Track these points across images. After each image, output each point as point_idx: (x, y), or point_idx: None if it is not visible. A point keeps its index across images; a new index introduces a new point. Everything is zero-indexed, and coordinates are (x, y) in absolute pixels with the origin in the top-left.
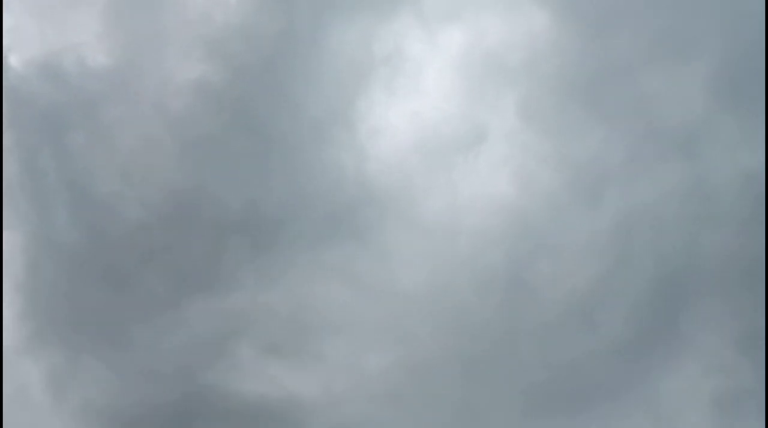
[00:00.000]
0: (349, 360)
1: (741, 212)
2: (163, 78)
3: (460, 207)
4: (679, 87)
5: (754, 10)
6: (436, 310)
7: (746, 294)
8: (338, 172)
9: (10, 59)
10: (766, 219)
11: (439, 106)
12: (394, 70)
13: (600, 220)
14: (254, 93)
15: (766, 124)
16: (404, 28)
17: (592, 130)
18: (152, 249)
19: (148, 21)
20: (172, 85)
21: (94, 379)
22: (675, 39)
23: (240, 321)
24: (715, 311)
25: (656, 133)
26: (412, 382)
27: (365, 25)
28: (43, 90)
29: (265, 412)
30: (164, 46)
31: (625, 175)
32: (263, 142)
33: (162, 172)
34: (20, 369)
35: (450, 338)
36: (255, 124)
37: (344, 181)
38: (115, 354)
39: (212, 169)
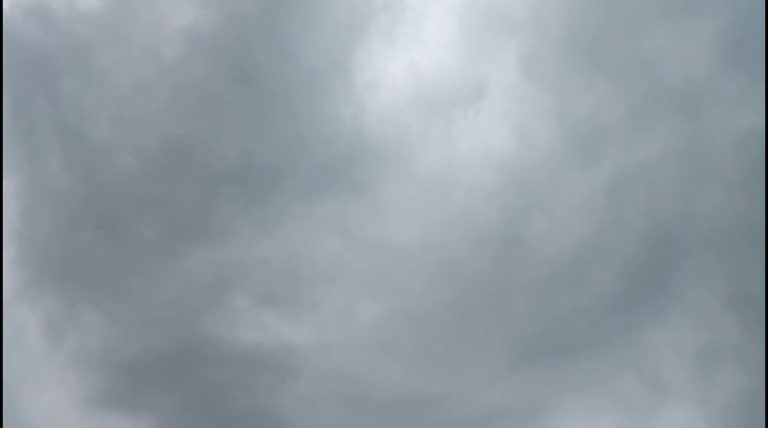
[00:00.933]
0: (342, 311)
1: (738, 173)
2: (156, 23)
3: (457, 161)
4: (683, 45)
5: None
6: (429, 264)
7: (737, 254)
8: (335, 124)
9: None
10: (766, 181)
11: (439, 57)
12: (393, 18)
13: (596, 178)
14: (249, 40)
15: (766, 84)
16: None
17: (594, 86)
18: (146, 198)
19: None
20: (164, 30)
21: (90, 326)
22: None
23: (235, 271)
24: (706, 270)
25: (658, 92)
26: (404, 333)
27: None
28: (32, 33)
29: (260, 360)
30: None
31: (624, 133)
32: (258, 91)
33: (155, 120)
34: (17, 315)
35: (442, 291)
36: (250, 73)
37: (341, 133)
38: (111, 302)
39: (206, 118)
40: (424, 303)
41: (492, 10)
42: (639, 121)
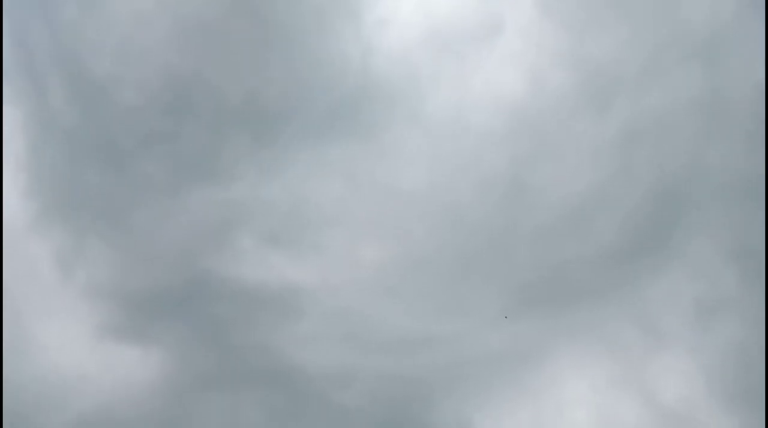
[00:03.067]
0: (347, 253)
1: (752, 127)
2: None
3: (468, 104)
4: None
5: None
6: (434, 208)
7: (742, 208)
8: (342, 65)
9: None
10: None
11: None
12: None
13: (607, 126)
14: None
15: None
16: None
17: (613, 30)
18: (150, 135)
19: None
20: None
21: (99, 260)
22: None
23: (240, 211)
24: (709, 223)
25: (678, 37)
26: (407, 275)
27: None
28: None
29: (265, 297)
30: None
31: (639, 80)
32: (264, 29)
33: (158, 55)
34: (28, 247)
35: (446, 235)
36: (256, 10)
37: (348, 74)
38: (118, 237)
39: (211, 55)
40: (427, 247)
41: None
42: (656, 67)
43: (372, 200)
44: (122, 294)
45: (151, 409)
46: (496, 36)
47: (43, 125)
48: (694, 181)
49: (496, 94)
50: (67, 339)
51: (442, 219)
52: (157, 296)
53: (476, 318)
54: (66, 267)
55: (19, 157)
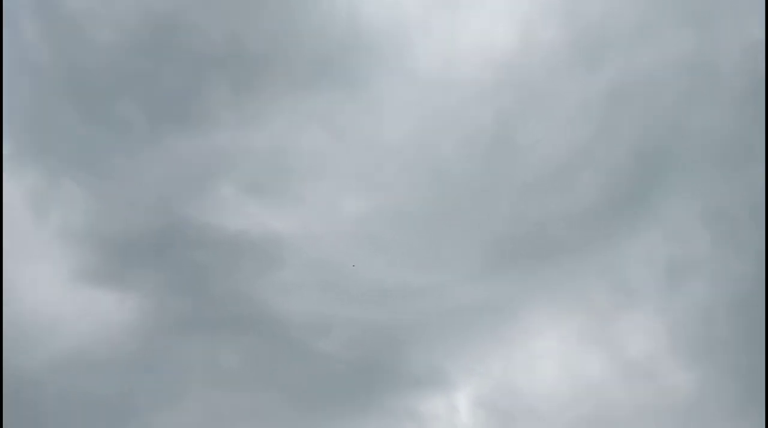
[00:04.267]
0: (328, 203)
1: (739, 91)
2: None
3: (456, 57)
4: None
5: None
6: (418, 162)
7: (720, 172)
8: (329, 13)
9: None
10: (766, 98)
11: None
12: None
13: (595, 85)
14: None
15: None
16: None
17: None
18: (128, 76)
19: None
20: None
21: (74, 203)
22: None
23: (221, 159)
24: (686, 186)
25: None
26: (388, 228)
27: None
28: None
29: (245, 246)
30: None
31: (630, 39)
32: None
33: None
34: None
35: (429, 189)
36: None
37: (335, 22)
38: (94, 181)
39: None
40: (410, 200)
41: None
42: (647, 27)
43: (355, 152)
44: (98, 239)
45: (127, 354)
46: None
47: (14, 62)
48: (677, 143)
49: (485, 48)
50: (42, 283)
51: (426, 173)
52: (134, 241)
53: (455, 271)
54: (40, 209)
55: None
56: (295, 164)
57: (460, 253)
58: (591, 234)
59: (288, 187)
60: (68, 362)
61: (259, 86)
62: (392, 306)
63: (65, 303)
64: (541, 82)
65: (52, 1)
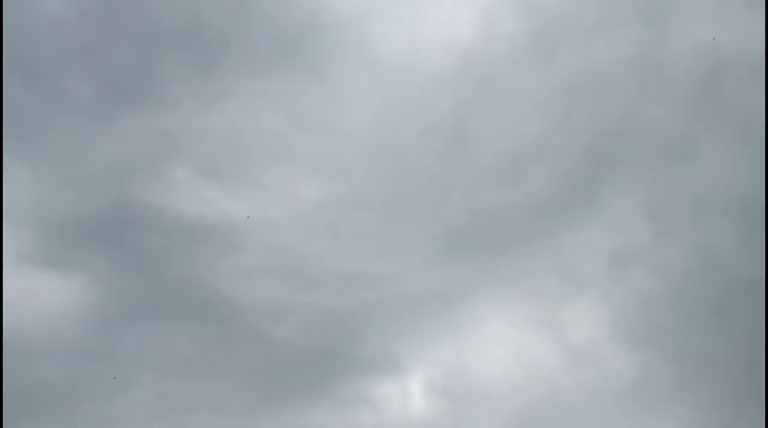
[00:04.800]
0: (286, 189)
1: (688, 88)
2: None
3: (418, 46)
4: None
5: None
6: (376, 150)
7: (663, 168)
8: None
9: None
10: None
11: None
12: None
13: (551, 78)
14: None
15: None
16: None
17: None
18: (77, 50)
19: None
20: None
21: (17, 183)
22: None
23: (175, 141)
24: (632, 180)
25: None
26: (345, 214)
27: None
28: None
29: (199, 231)
30: None
31: (586, 35)
32: None
33: None
34: None
35: (386, 177)
36: None
37: (297, 5)
38: (39, 159)
39: None
40: (367, 188)
41: None
42: (602, 24)
43: (314, 137)
44: (43, 220)
45: (73, 340)
46: None
47: None
48: (625, 139)
49: (447, 38)
50: None
51: (384, 161)
52: (81, 224)
53: (409, 259)
54: None
55: None
56: (253, 148)
57: (416, 242)
58: (540, 226)
59: (246, 172)
60: (10, 348)
61: (217, 66)
62: (348, 293)
63: (7, 286)
64: (500, 74)
65: None
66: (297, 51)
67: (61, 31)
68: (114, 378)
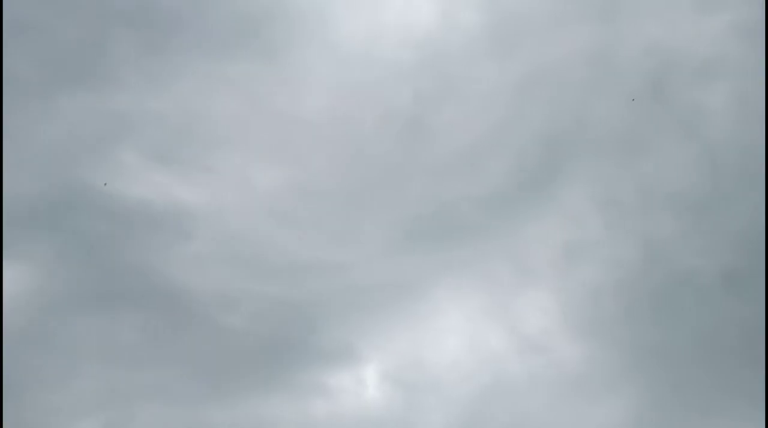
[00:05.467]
0: (240, 175)
1: (638, 86)
2: None
3: (378, 33)
4: None
5: None
6: (334, 138)
7: (614, 162)
8: None
9: None
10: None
11: None
12: None
13: (509, 72)
14: None
15: None
16: None
17: None
18: (19, 26)
19: None
20: None
21: None
22: None
23: (124, 123)
24: (584, 174)
25: None
26: (300, 202)
27: None
28: None
29: (150, 217)
30: None
31: (543, 29)
32: None
33: None
34: None
35: (343, 166)
36: None
37: None
38: None
39: None
40: (323, 176)
41: None
42: (558, 20)
43: (270, 123)
44: None
45: (15, 327)
46: None
47: None
48: (577, 133)
49: (406, 27)
50: None
51: (341, 150)
52: (23, 208)
53: (366, 248)
54: None
55: None
56: (207, 132)
57: (373, 231)
58: (496, 217)
59: (198, 157)
60: None
61: (169, 46)
62: (303, 282)
63: None
64: (459, 65)
65: None
66: (256, 34)
67: (2, 5)
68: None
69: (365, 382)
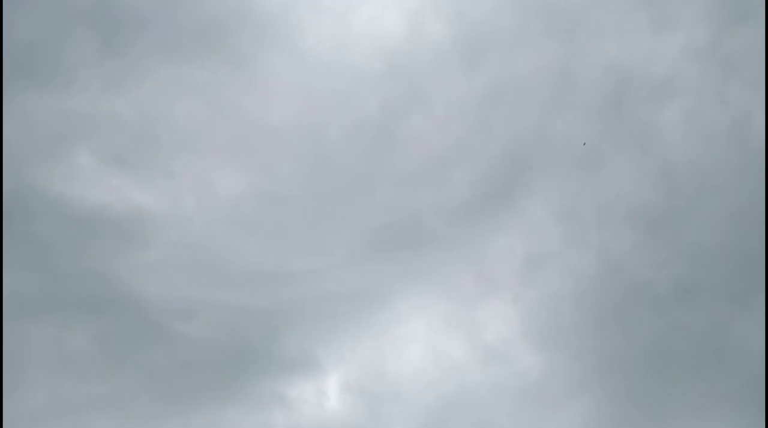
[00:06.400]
0: (202, 181)
1: (597, 102)
2: None
3: (347, 42)
4: None
5: None
6: (301, 145)
7: (574, 176)
8: None
9: None
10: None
11: None
12: None
13: (475, 84)
14: None
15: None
16: None
17: None
18: None
19: None
20: None
21: None
22: None
23: (79, 124)
24: (546, 187)
25: (546, 12)
26: (265, 210)
27: None
28: None
29: (106, 222)
30: None
31: (509, 44)
32: None
33: None
34: None
35: (309, 173)
36: None
37: None
38: None
39: None
40: (289, 183)
41: None
42: (523, 36)
43: (236, 129)
44: None
45: None
46: None
47: None
48: (539, 147)
49: (375, 37)
50: None
51: (307, 157)
52: None
53: (330, 257)
54: None
55: None
56: (167, 136)
57: (337, 239)
58: (460, 227)
59: (157, 160)
60: None
61: (131, 47)
62: (265, 290)
63: None
64: (426, 76)
65: None
66: (222, 39)
67: None
68: None
69: (326, 393)
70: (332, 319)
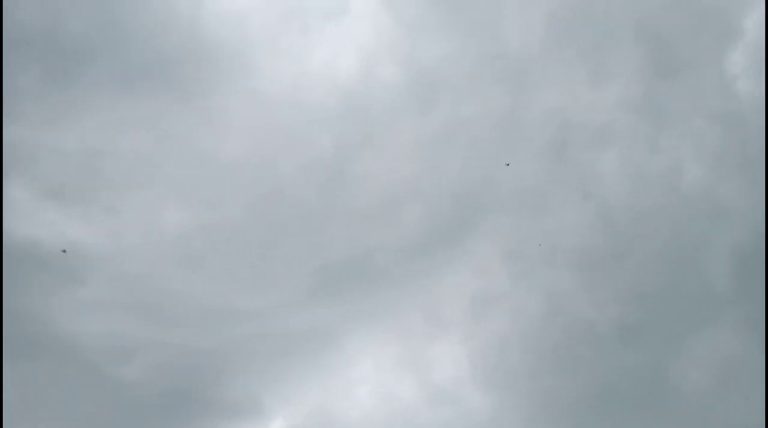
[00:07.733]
0: (146, 216)
1: (541, 148)
2: None
3: (301, 81)
4: (525, 18)
5: None
6: (251, 181)
7: (521, 216)
8: (167, 16)
9: None
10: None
11: None
12: None
13: (427, 125)
14: None
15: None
16: None
17: (445, 39)
18: None
19: None
20: None
21: None
22: None
23: (15, 156)
24: (492, 227)
25: (495, 59)
26: (212, 246)
27: None
28: None
29: (37, 258)
30: None
31: (458, 89)
32: None
33: None
34: None
35: (260, 210)
36: None
37: (173, 27)
38: None
39: None
40: (238, 220)
41: None
42: (472, 81)
43: (186, 164)
44: None
45: None
46: (340, 17)
47: None
48: (488, 188)
49: (331, 75)
50: None
51: (259, 194)
52: None
53: (278, 295)
54: None
55: None
56: (109, 170)
57: (286, 277)
58: (409, 267)
59: (98, 195)
60: None
61: (75, 78)
62: (210, 330)
63: None
64: (380, 116)
65: None
66: (175, 74)
67: None
68: None
69: None
70: (279, 360)
